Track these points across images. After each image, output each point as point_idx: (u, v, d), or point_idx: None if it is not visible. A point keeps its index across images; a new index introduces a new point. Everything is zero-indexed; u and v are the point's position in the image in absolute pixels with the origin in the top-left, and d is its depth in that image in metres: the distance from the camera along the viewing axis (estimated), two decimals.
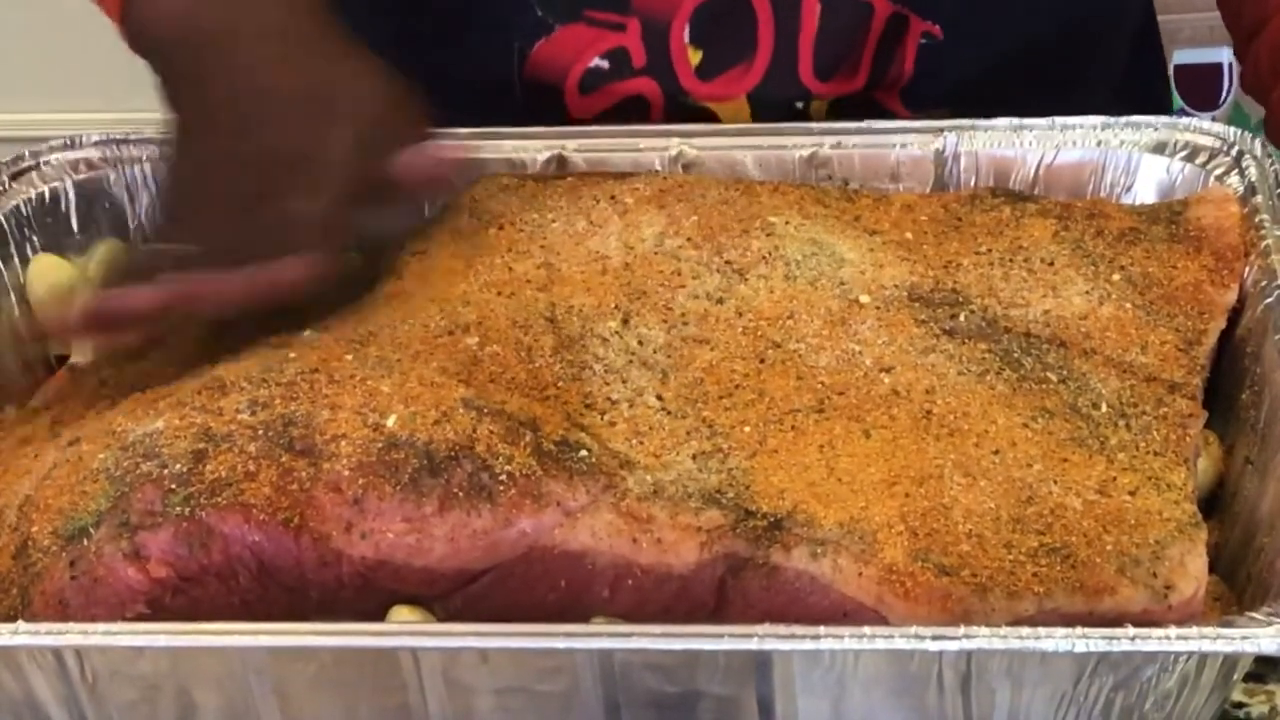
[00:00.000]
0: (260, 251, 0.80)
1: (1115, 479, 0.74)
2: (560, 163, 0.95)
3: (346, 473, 0.73)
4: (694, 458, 0.75)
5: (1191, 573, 0.71)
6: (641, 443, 0.76)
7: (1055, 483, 0.74)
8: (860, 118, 0.98)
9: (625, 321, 0.82)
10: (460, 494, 0.72)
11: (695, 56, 1.00)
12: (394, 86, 0.84)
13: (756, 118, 1.01)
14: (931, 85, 1.02)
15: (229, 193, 0.82)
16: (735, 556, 0.72)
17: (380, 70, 0.85)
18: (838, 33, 0.99)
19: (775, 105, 1.01)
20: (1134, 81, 1.12)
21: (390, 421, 0.74)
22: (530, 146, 0.95)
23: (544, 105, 1.01)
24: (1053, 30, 1.04)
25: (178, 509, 0.72)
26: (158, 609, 0.72)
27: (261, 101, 0.83)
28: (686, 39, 1.00)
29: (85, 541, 0.72)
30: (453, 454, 0.73)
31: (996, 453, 0.75)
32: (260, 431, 0.74)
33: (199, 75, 0.85)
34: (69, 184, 0.95)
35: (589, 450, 0.74)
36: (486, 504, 0.72)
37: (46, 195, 0.94)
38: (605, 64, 1.01)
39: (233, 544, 0.72)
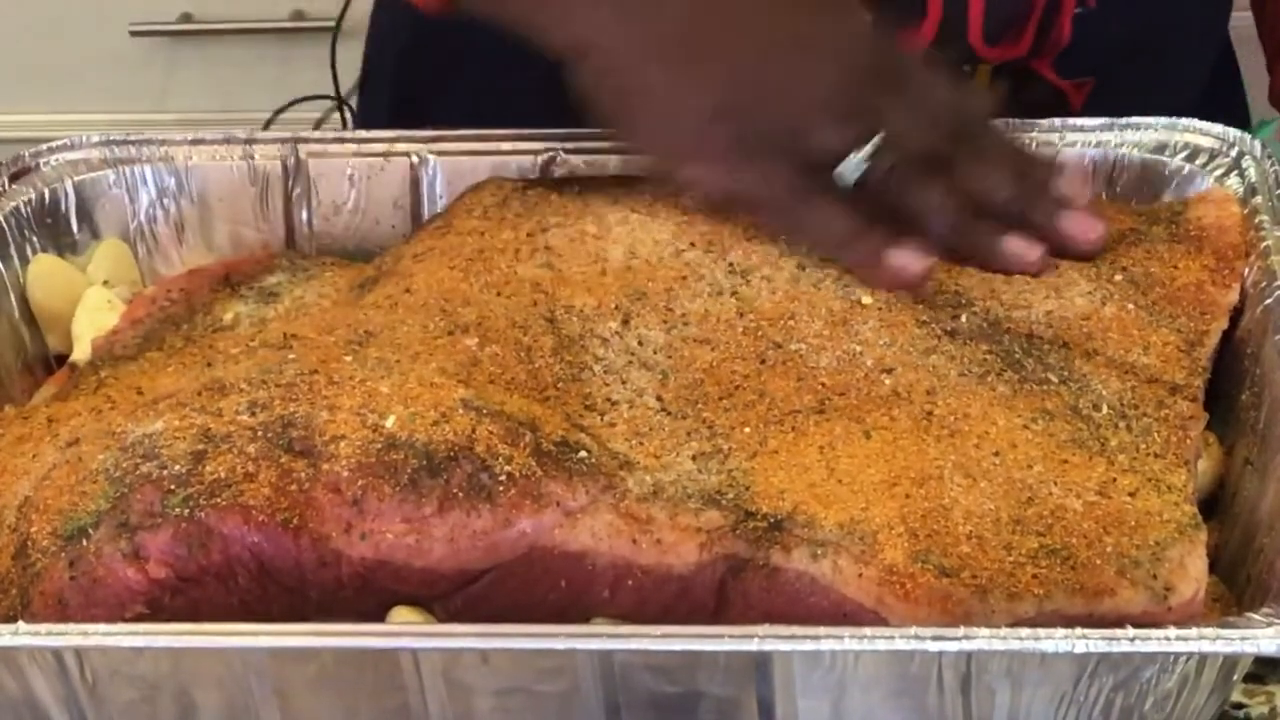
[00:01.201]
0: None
1: (1115, 480, 0.74)
2: (558, 165, 0.95)
3: (346, 473, 0.73)
4: (694, 458, 0.75)
5: (1191, 574, 0.71)
6: (641, 443, 0.76)
7: (1055, 484, 0.74)
8: (1017, 85, 0.98)
9: (625, 322, 0.82)
10: (460, 494, 0.72)
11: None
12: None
13: None
14: (1082, 54, 1.02)
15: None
16: (735, 557, 0.72)
17: None
18: None
19: None
20: (1221, 82, 1.13)
21: (389, 422, 0.74)
22: (529, 148, 0.95)
23: None
24: (1185, 13, 1.05)
25: (177, 510, 0.72)
26: (157, 609, 0.72)
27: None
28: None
29: (85, 542, 0.72)
30: (452, 454, 0.73)
31: (997, 454, 0.75)
32: (260, 432, 0.74)
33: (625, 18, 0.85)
34: (69, 184, 0.95)
35: (589, 451, 0.74)
36: (486, 504, 0.72)
37: (46, 196, 0.94)
38: None
39: (232, 545, 0.72)
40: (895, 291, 0.83)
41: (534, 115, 0.95)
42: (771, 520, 0.72)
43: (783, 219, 0.84)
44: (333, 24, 2.03)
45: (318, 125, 1.20)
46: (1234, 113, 0.94)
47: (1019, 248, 0.84)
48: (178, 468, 0.73)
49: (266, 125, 1.61)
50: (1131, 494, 0.74)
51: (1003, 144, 0.87)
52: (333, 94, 1.23)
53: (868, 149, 0.83)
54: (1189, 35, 1.07)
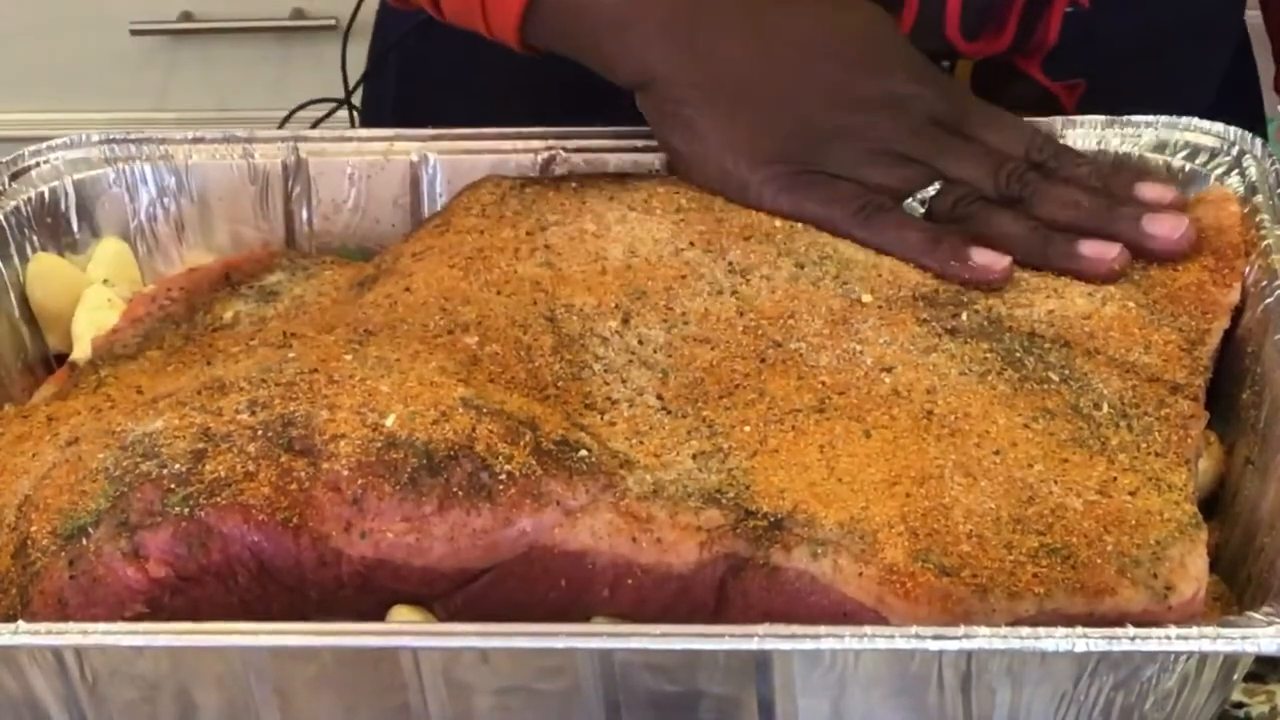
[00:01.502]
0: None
1: (1116, 479, 0.74)
2: (559, 164, 0.95)
3: (346, 472, 0.73)
4: (694, 457, 0.75)
5: (1192, 573, 0.71)
6: (641, 442, 0.76)
7: (1056, 483, 0.74)
8: (1001, 83, 0.99)
9: (625, 321, 0.82)
10: (460, 493, 0.72)
11: None
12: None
13: None
14: (1074, 55, 1.02)
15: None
16: (735, 556, 0.72)
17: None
18: None
19: None
20: (1236, 80, 1.13)
21: (389, 421, 0.74)
22: (529, 147, 0.95)
23: None
24: (1187, 16, 1.05)
25: (177, 509, 0.72)
26: (157, 609, 0.72)
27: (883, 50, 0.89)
28: None
29: (84, 541, 0.72)
30: (452, 453, 0.73)
31: (997, 453, 0.75)
32: (259, 431, 0.74)
33: (704, 50, 0.88)
34: (69, 184, 0.95)
35: (589, 450, 0.74)
36: (486, 503, 0.72)
37: (46, 195, 0.94)
38: None
39: (232, 544, 0.72)
40: (895, 291, 0.83)
41: (536, 113, 0.96)
42: (772, 519, 0.72)
43: (857, 235, 0.86)
44: (332, 23, 2.03)
45: (316, 125, 1.20)
46: (1244, 124, 0.94)
47: (1096, 250, 0.84)
48: (178, 466, 0.73)
49: (281, 126, 1.61)
50: (1132, 493, 0.74)
51: (1073, 164, 0.88)
52: (340, 94, 1.24)
53: (924, 194, 0.87)
54: (1192, 41, 1.07)
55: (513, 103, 0.99)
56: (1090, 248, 0.84)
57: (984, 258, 0.84)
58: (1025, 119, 0.90)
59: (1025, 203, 0.86)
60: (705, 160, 0.89)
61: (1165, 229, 0.85)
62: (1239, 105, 0.95)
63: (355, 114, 1.20)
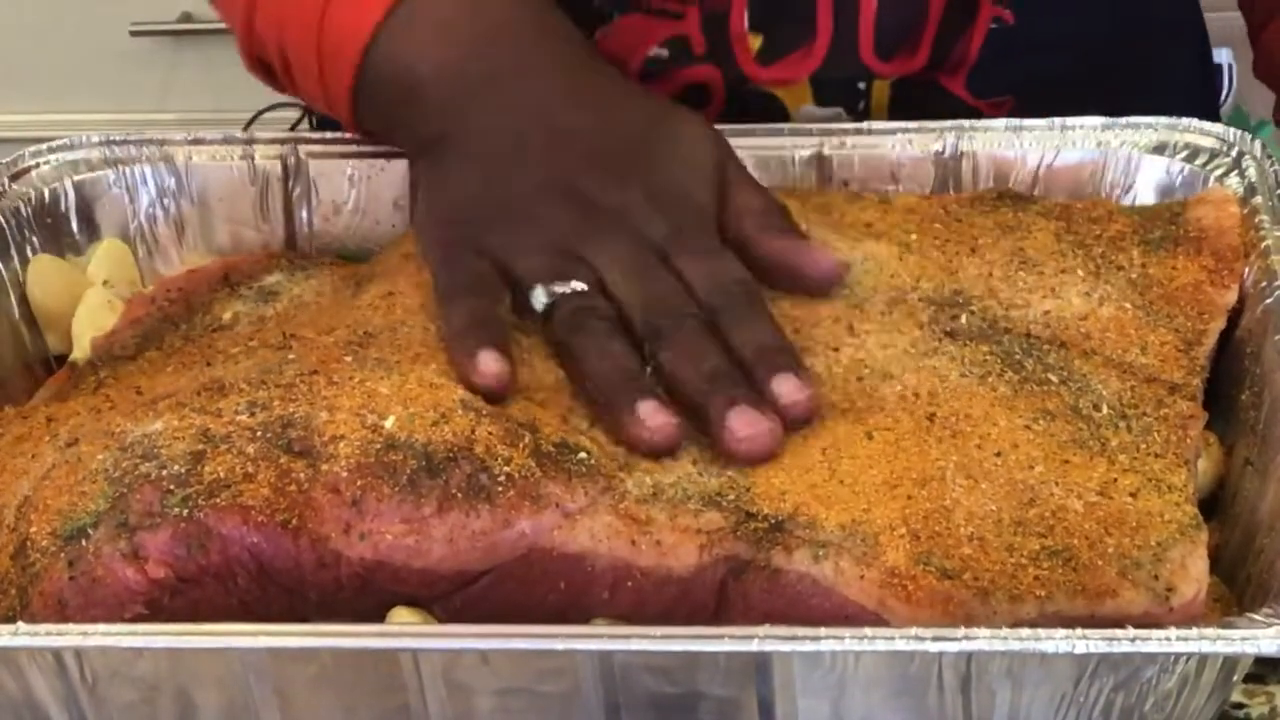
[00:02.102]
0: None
1: (1116, 480, 0.74)
2: None
3: (345, 474, 0.73)
4: (694, 460, 0.75)
5: (1192, 575, 0.71)
6: None
7: (1056, 485, 0.74)
8: (922, 101, 0.98)
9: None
10: (459, 495, 0.72)
11: (755, 41, 1.00)
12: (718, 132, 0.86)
13: (819, 100, 1.01)
14: (998, 72, 1.01)
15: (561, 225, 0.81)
16: (736, 559, 0.72)
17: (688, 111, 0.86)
18: (897, 11, 0.99)
19: (837, 86, 1.01)
20: (1193, 89, 1.12)
21: (389, 423, 0.74)
22: None
23: None
24: (1124, 28, 1.04)
25: (176, 510, 0.72)
26: (156, 610, 0.72)
27: (567, 137, 0.83)
28: (746, 25, 0.99)
29: (84, 542, 0.72)
30: (451, 455, 0.73)
31: (998, 455, 0.75)
32: (259, 433, 0.74)
33: (475, 116, 0.85)
34: (69, 184, 0.95)
35: (588, 452, 0.74)
36: (485, 505, 0.72)
37: (46, 196, 0.94)
38: (665, 52, 1.00)
39: (231, 545, 0.72)
40: (895, 294, 0.83)
41: None
42: (772, 521, 0.72)
43: (435, 307, 0.81)
44: None
45: (293, 126, 1.20)
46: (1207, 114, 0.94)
47: (647, 411, 0.75)
48: (177, 468, 0.73)
49: (247, 126, 1.62)
50: (1132, 494, 0.74)
51: (745, 328, 0.78)
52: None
53: (556, 288, 0.80)
54: (1131, 55, 1.05)
55: None
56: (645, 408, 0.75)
57: (487, 365, 0.76)
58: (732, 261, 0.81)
59: (662, 339, 0.77)
60: (413, 214, 0.87)
61: (742, 424, 0.74)
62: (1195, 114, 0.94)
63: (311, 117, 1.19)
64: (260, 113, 1.59)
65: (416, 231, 0.86)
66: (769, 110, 1.01)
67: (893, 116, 1.01)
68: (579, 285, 0.79)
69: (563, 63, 0.88)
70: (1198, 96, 1.12)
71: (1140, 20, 1.06)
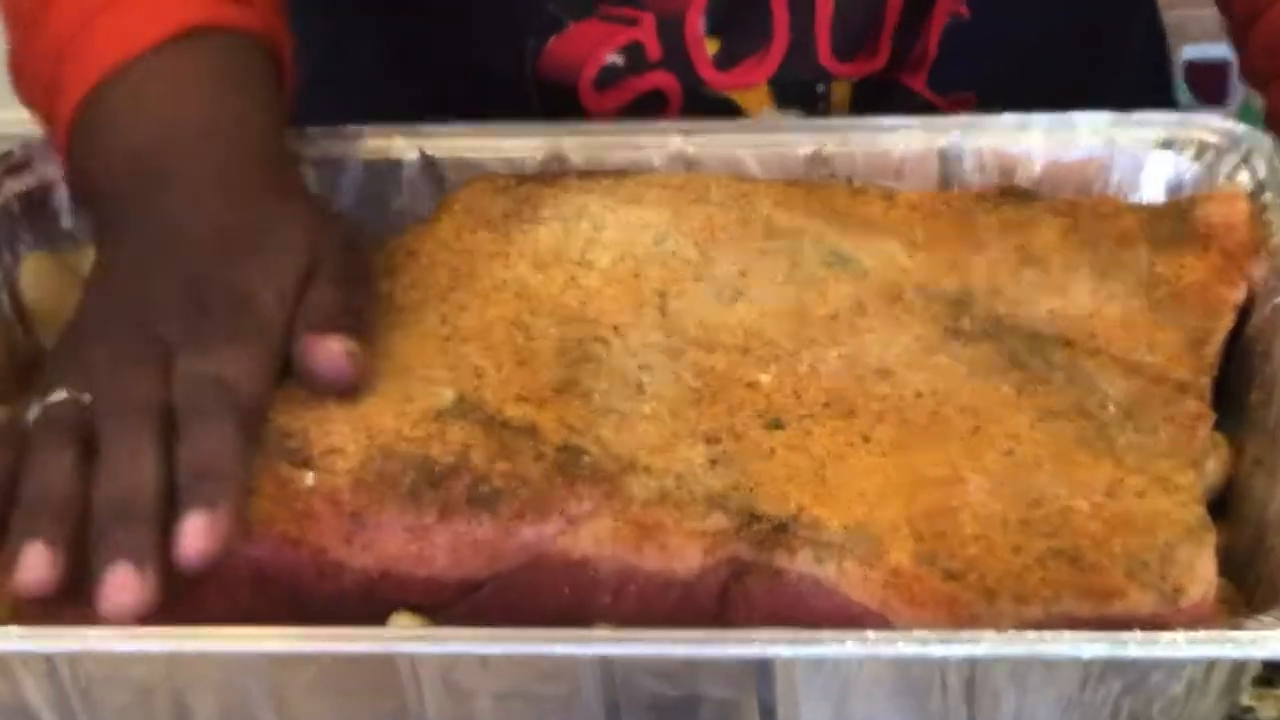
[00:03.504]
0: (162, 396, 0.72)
1: (1123, 480, 0.74)
2: (558, 161, 0.94)
3: (345, 484, 0.72)
4: (697, 462, 0.74)
5: (1201, 575, 0.70)
6: (643, 447, 0.75)
7: (1063, 485, 0.73)
8: (883, 101, 0.97)
9: (626, 323, 0.81)
10: (460, 503, 0.72)
11: (712, 46, 1.00)
12: (331, 232, 0.81)
13: (778, 104, 1.01)
14: (957, 68, 1.01)
15: (137, 332, 0.75)
16: (739, 561, 0.71)
17: (321, 217, 0.82)
18: (855, 11, 0.99)
19: (796, 90, 1.00)
20: (1145, 79, 1.12)
21: (387, 431, 0.74)
22: (527, 145, 0.94)
23: (559, 104, 1.01)
24: (1084, 18, 1.04)
25: None
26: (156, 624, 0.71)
27: (187, 240, 0.79)
28: (702, 29, 0.99)
29: None
30: (452, 463, 0.72)
31: (1005, 454, 0.75)
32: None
33: (135, 218, 0.82)
34: (62, 181, 0.94)
35: (590, 456, 0.74)
36: (487, 513, 0.72)
37: (39, 192, 0.93)
38: (620, 60, 1.00)
39: (231, 558, 0.71)
40: (898, 291, 0.82)
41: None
42: (776, 523, 0.72)
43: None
44: None
45: None
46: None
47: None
48: None
49: None
50: (1139, 494, 0.73)
51: (199, 435, 0.71)
52: None
53: (48, 398, 0.73)
54: (1088, 46, 1.05)
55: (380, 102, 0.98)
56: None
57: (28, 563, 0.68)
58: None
59: (101, 445, 0.71)
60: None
61: (112, 588, 0.67)
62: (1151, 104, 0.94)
63: None
64: None
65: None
66: (726, 115, 1.01)
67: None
68: (59, 394, 0.72)
69: (212, 173, 0.83)
70: (1150, 87, 1.12)
71: (1096, 13, 1.05)
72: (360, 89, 1.08)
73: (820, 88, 1.00)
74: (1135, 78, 1.09)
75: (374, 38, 0.93)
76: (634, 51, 1.00)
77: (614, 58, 1.00)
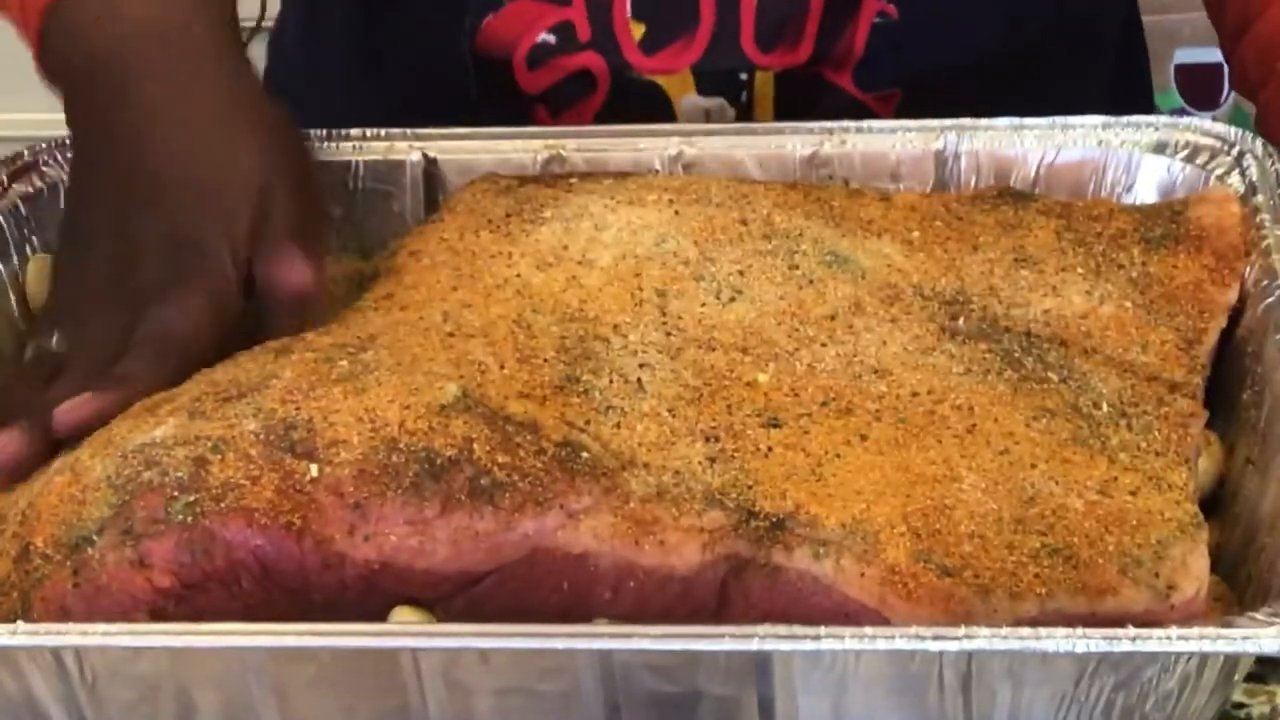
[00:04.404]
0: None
1: (1116, 479, 0.74)
2: (559, 162, 0.94)
3: (348, 476, 0.72)
4: (696, 459, 0.75)
5: (1193, 573, 0.71)
6: (643, 444, 0.75)
7: (1057, 483, 0.74)
8: (808, 95, 0.98)
9: (625, 322, 0.81)
10: (462, 496, 0.72)
11: (638, 30, 1.01)
12: (293, 158, 0.85)
13: (700, 90, 1.02)
14: (885, 67, 1.02)
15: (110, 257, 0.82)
16: (737, 557, 0.72)
17: (273, 135, 0.85)
18: (779, 3, 0.99)
19: (719, 77, 1.01)
20: (1119, 84, 1.12)
21: (391, 424, 0.74)
22: (529, 146, 0.95)
23: (495, 80, 1.02)
24: (1023, 24, 1.04)
25: (180, 516, 0.72)
26: (161, 618, 0.72)
27: (150, 183, 0.83)
28: (629, 13, 1.01)
29: (89, 550, 0.72)
30: (454, 456, 0.73)
31: (1000, 453, 0.75)
32: (261, 435, 0.74)
33: (100, 144, 0.85)
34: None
35: (590, 452, 0.74)
36: (488, 506, 0.72)
37: (46, 194, 0.93)
38: (552, 38, 1.01)
39: (235, 549, 0.72)
40: (895, 291, 0.83)
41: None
42: (774, 520, 0.72)
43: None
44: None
45: None
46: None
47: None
48: (180, 473, 0.73)
49: None
50: (1133, 492, 0.74)
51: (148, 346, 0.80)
52: None
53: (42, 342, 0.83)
54: (1025, 52, 1.05)
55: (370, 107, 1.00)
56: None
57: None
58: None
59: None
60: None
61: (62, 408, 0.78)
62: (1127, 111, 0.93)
63: None
64: None
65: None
66: (651, 99, 1.02)
67: (777, 109, 1.02)
68: (46, 341, 0.82)
69: (171, 92, 0.86)
70: (1114, 101, 1.11)
71: (1039, 20, 1.05)
72: (320, 78, 1.10)
73: (743, 76, 1.01)
74: (1077, 84, 1.09)
75: (312, 23, 0.95)
76: (565, 30, 1.01)
77: (546, 37, 1.01)
